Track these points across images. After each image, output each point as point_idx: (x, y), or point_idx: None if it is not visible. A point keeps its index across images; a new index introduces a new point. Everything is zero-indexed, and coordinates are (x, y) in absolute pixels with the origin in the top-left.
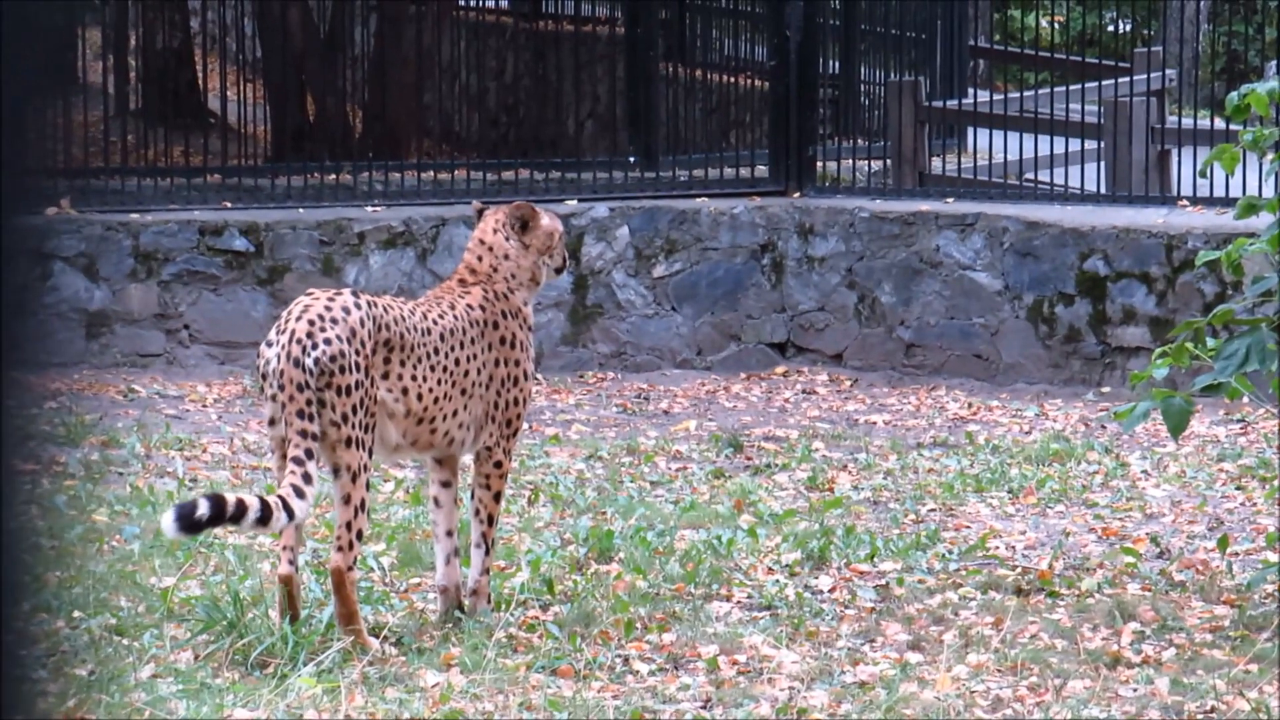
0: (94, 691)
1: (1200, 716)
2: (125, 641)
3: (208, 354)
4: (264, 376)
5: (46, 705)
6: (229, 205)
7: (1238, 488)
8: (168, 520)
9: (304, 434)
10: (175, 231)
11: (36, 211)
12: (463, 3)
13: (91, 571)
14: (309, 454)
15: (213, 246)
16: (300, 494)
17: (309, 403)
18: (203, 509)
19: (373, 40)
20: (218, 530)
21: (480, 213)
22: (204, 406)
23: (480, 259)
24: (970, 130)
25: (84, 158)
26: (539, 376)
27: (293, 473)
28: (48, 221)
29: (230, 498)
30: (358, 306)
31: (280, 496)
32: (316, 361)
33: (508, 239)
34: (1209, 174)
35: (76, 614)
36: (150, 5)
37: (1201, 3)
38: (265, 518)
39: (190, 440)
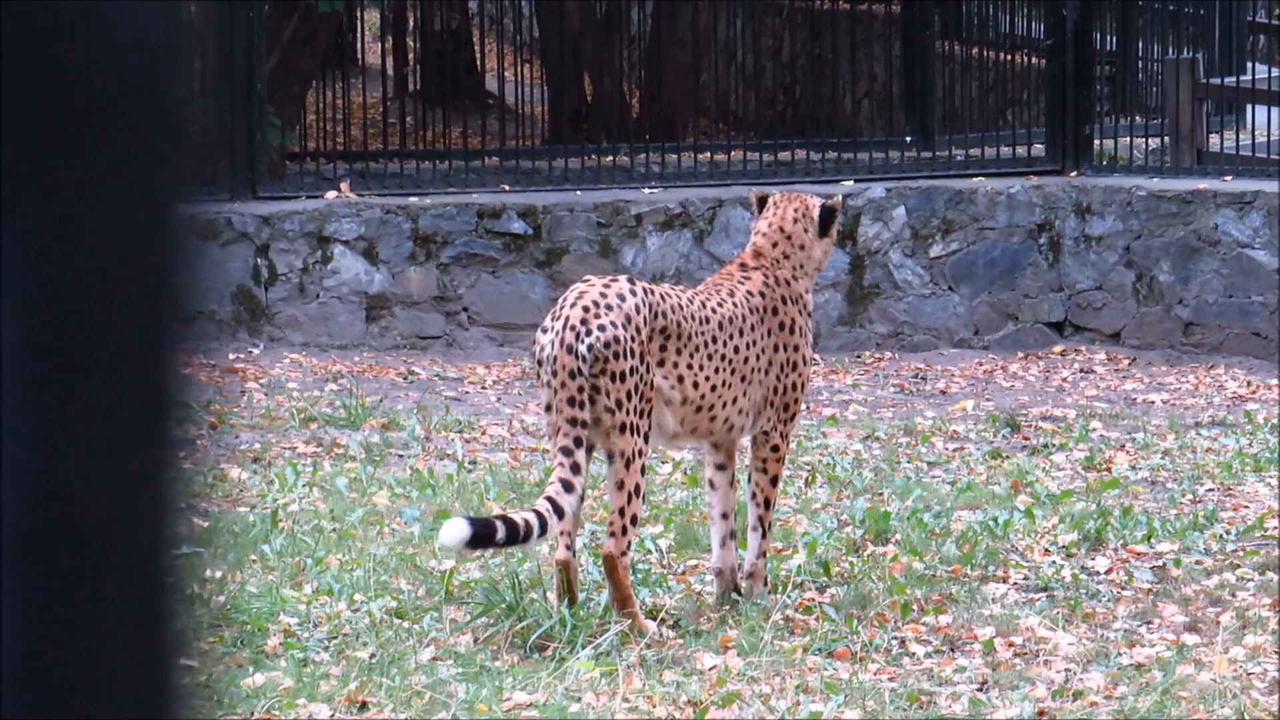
0: (375, 674)
1: None
2: (406, 624)
3: (486, 336)
4: (539, 363)
5: (329, 688)
6: (507, 188)
7: None
8: (458, 532)
9: (573, 422)
10: (454, 214)
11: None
12: None
13: (372, 554)
14: (578, 442)
15: (491, 229)
16: (569, 487)
17: (580, 390)
18: (501, 534)
19: (650, 20)
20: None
21: (762, 200)
22: (483, 388)
23: (775, 245)
24: (1249, 106)
25: (363, 140)
26: (816, 357)
27: (560, 465)
28: (327, 205)
29: (519, 521)
30: (633, 293)
31: (549, 498)
32: (590, 348)
33: (806, 230)
34: None
35: (358, 597)
36: None
37: None
38: (543, 529)
39: (469, 422)
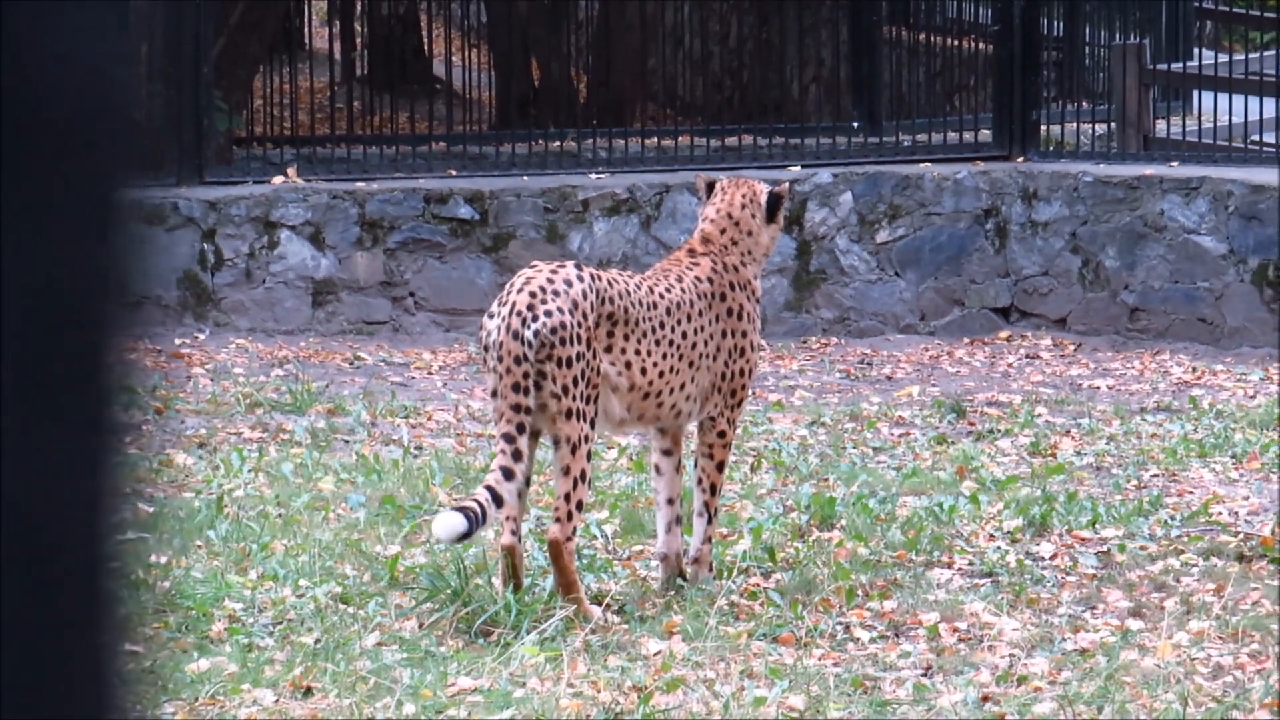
0: (319, 659)
1: None
2: (350, 610)
3: (433, 321)
4: (485, 348)
5: (274, 674)
6: (454, 173)
7: None
8: (454, 526)
9: (517, 408)
10: (401, 200)
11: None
12: None
13: (318, 540)
14: (520, 429)
15: (438, 214)
16: (509, 475)
17: (525, 376)
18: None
19: (597, 5)
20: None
21: (709, 186)
22: (429, 374)
23: (723, 231)
24: (1196, 92)
25: (310, 125)
26: (763, 343)
27: (502, 452)
28: (274, 190)
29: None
30: (580, 279)
31: (488, 486)
32: (536, 334)
33: (754, 216)
34: None
35: (303, 582)
36: None
37: None
38: (483, 518)
39: (415, 408)
